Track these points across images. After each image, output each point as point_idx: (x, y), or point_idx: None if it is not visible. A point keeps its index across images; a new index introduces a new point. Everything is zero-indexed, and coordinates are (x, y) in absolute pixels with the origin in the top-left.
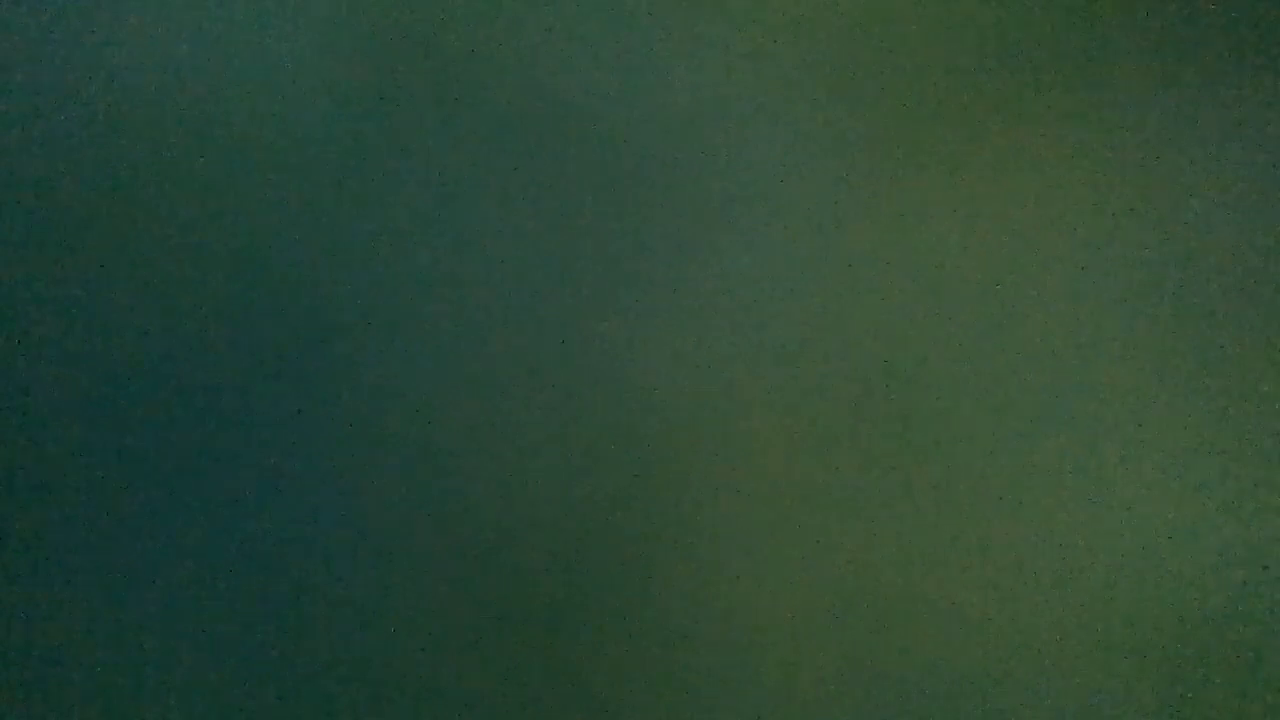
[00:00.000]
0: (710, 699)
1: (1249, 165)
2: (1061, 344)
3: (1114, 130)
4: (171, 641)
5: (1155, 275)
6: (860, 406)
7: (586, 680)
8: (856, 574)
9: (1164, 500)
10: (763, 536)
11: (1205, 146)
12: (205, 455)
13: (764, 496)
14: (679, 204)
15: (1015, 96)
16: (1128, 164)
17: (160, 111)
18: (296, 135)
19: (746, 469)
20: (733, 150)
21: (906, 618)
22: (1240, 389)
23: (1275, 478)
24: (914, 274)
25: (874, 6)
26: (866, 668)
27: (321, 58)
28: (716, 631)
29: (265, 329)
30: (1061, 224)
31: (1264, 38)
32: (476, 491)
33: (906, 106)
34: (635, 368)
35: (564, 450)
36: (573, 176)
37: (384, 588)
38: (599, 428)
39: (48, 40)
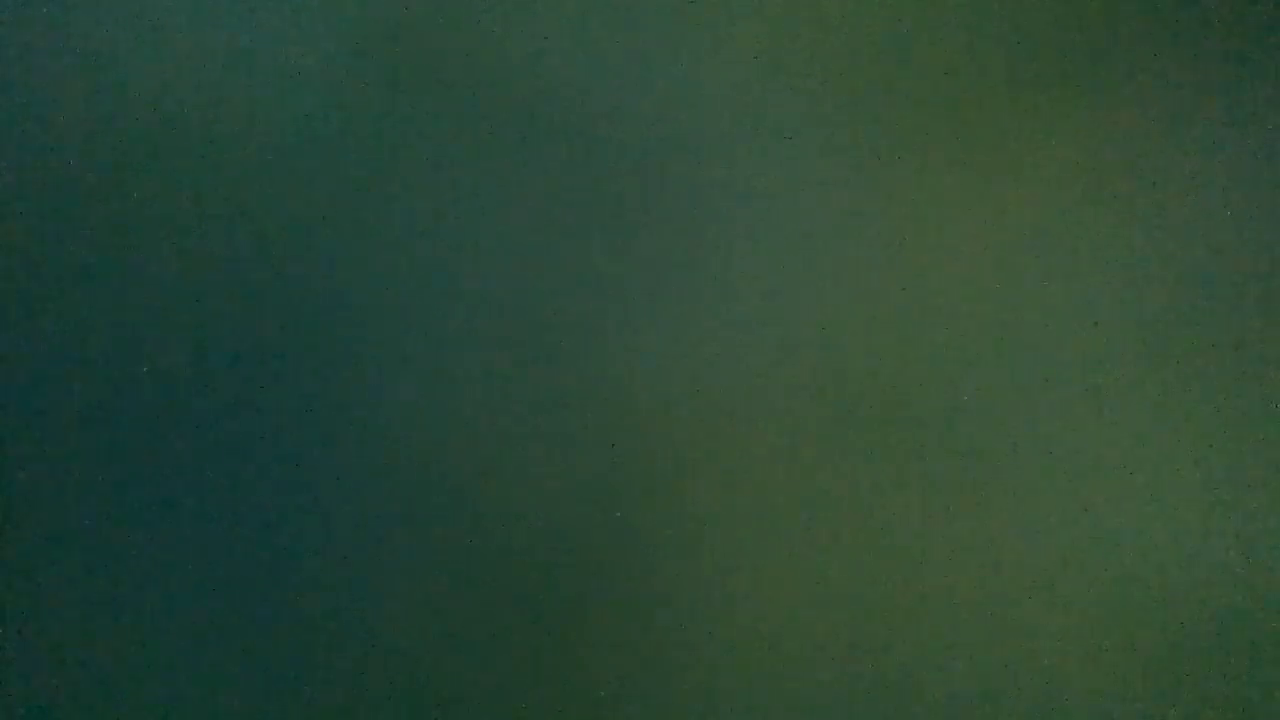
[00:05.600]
0: (710, 698)
1: (1249, 165)
2: (1062, 345)
3: (1114, 130)
4: (171, 642)
5: (1155, 276)
6: (861, 407)
7: (586, 680)
8: (857, 574)
9: (1164, 500)
10: (763, 536)
11: (1205, 146)
12: (204, 454)
13: (764, 497)
14: (680, 204)
15: (1015, 97)
16: (1128, 164)
17: (162, 112)
18: (296, 137)
19: (747, 469)
20: (733, 151)
21: (906, 618)
22: (1240, 389)
23: (1275, 478)
24: (914, 274)
25: (874, 7)
26: (866, 668)
27: (322, 59)
28: (716, 632)
29: (265, 329)
30: (1062, 225)
31: (1264, 38)
32: (476, 490)
33: (906, 108)
34: (636, 368)
35: (564, 450)
36: (574, 177)
37: (383, 587)
38: (600, 428)
39: (48, 40)
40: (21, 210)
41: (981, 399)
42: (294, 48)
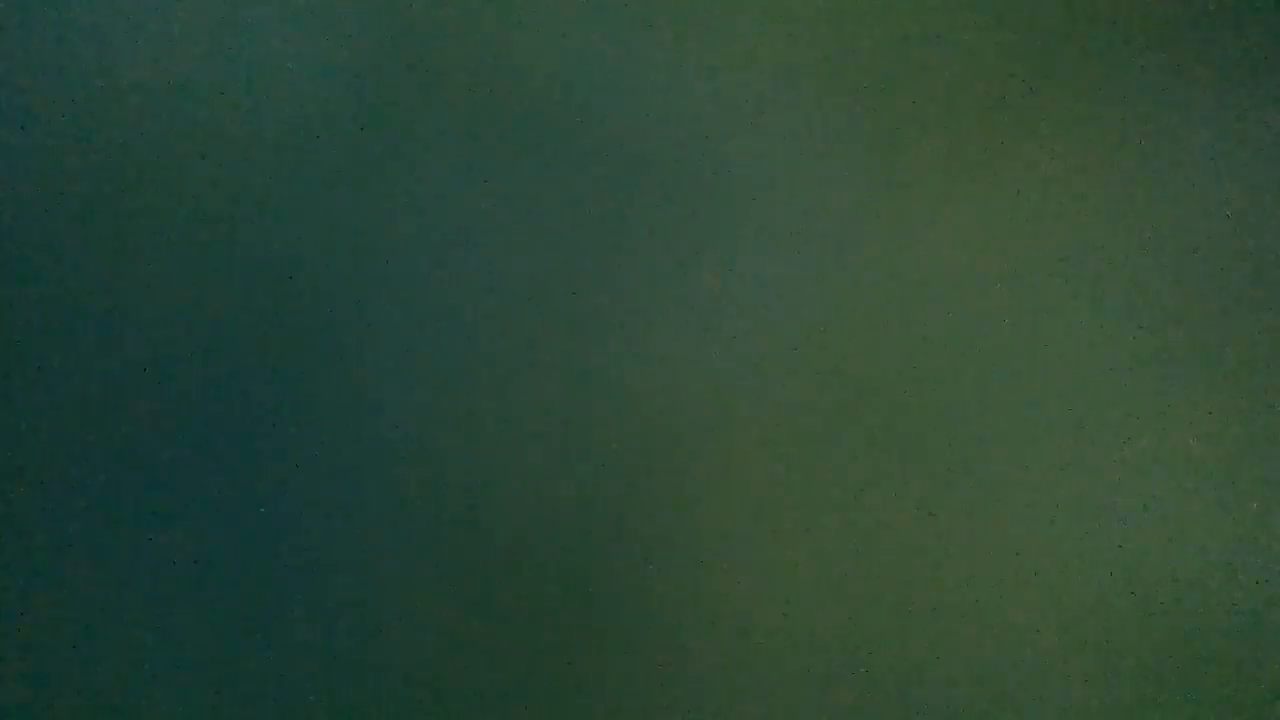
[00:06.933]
0: (710, 699)
1: (1249, 165)
2: (1063, 345)
3: (1114, 131)
4: (170, 642)
5: (1155, 276)
6: (862, 408)
7: (585, 681)
8: (857, 575)
9: (1163, 500)
10: (764, 537)
11: (1205, 146)
12: (204, 454)
13: (765, 499)
14: (681, 206)
15: (1017, 99)
16: (1128, 165)
17: (161, 111)
18: (296, 138)
19: (748, 471)
20: (734, 152)
21: (906, 618)
22: (1240, 389)
23: (1275, 477)
24: (915, 276)
25: (876, 9)
26: (866, 668)
27: (323, 59)
28: (717, 633)
29: (265, 330)
30: (1063, 225)
31: (1264, 38)
32: (475, 492)
33: (907, 109)
34: (637, 370)
35: (565, 451)
36: (575, 178)
37: (383, 591)
38: (600, 429)
39: (49, 40)
40: (21, 210)
41: (982, 399)
42: (294, 47)
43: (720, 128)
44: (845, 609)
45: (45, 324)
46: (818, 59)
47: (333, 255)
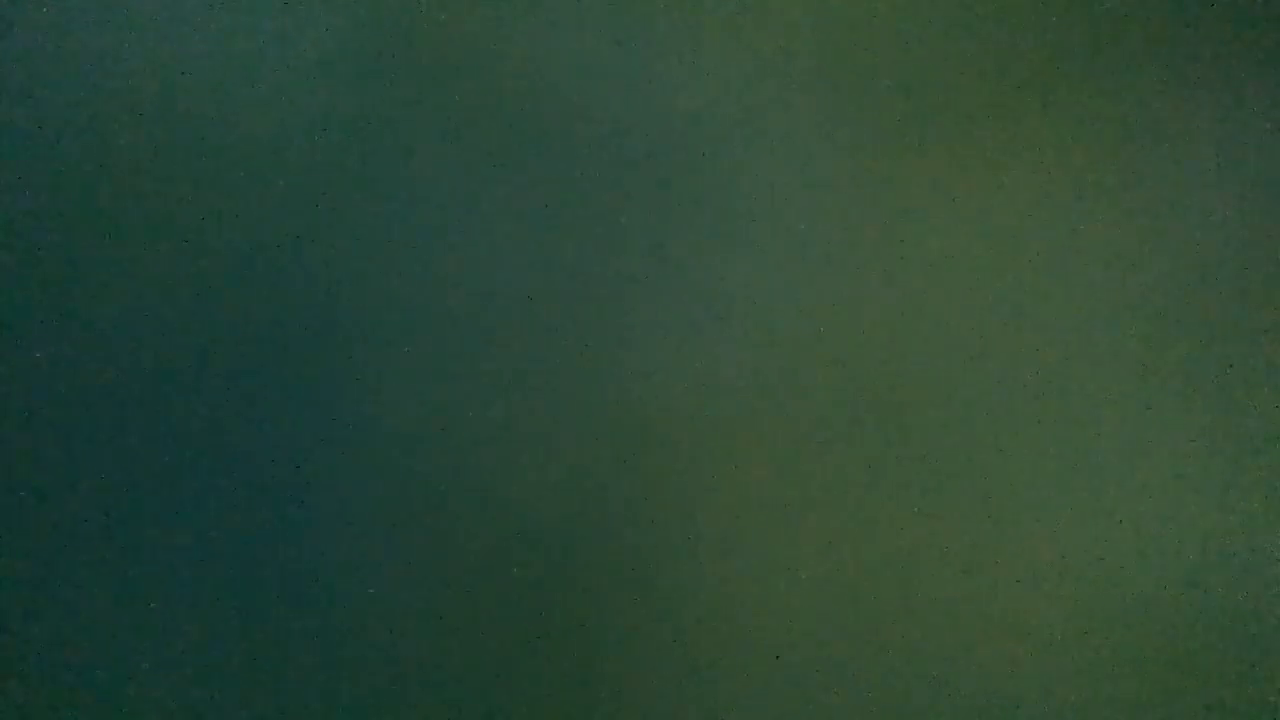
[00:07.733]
0: (710, 699)
1: (1249, 165)
2: (1062, 345)
3: (1115, 130)
4: (170, 642)
5: (1155, 275)
6: (861, 408)
7: (585, 681)
8: (856, 575)
9: (1163, 501)
10: (764, 538)
11: (1206, 147)
12: (204, 455)
13: (764, 499)
14: (681, 206)
15: (1015, 99)
16: (1128, 165)
17: (162, 112)
18: (298, 138)
19: (747, 471)
20: (733, 152)
21: (906, 619)
22: (1240, 389)
23: (1275, 478)
24: (914, 276)
25: (874, 9)
26: (865, 669)
27: (323, 60)
28: (717, 633)
29: (266, 330)
30: (1062, 226)
31: (1264, 38)
32: (475, 493)
33: (906, 109)
34: (636, 370)
35: (565, 452)
36: (574, 179)
37: (382, 588)
38: (601, 430)
39: (48, 40)
40: (22, 210)
41: (983, 399)
42: (294, 47)
43: (721, 128)
44: (845, 608)
45: (43, 323)
46: (817, 58)
47: (330, 255)
